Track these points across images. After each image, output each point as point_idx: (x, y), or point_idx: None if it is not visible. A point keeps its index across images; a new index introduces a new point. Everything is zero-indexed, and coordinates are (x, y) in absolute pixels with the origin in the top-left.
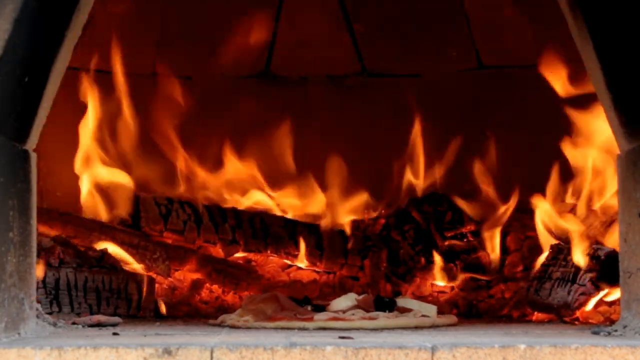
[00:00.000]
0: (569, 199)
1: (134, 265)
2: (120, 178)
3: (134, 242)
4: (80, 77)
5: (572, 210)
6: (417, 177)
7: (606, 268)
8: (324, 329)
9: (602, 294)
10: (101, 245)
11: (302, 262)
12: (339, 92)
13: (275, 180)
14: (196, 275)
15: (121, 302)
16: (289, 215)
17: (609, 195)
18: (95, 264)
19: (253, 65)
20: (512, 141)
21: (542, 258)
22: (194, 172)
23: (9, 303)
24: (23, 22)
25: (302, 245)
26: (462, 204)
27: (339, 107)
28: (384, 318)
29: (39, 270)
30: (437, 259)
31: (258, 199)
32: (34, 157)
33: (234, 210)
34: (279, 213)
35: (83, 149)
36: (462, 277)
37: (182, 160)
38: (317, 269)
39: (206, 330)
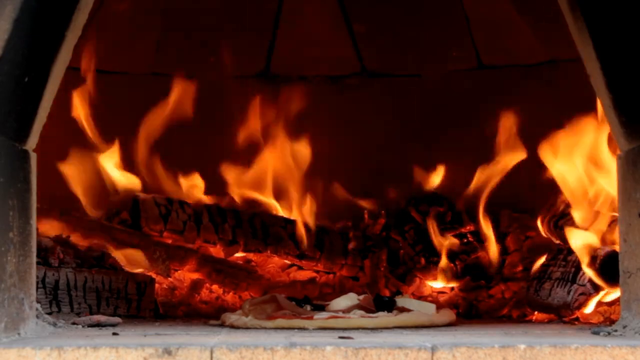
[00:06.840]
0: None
1: (142, 264)
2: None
3: (134, 242)
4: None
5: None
6: (417, 177)
7: (606, 268)
8: (324, 328)
9: (602, 293)
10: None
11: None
12: (339, 92)
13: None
14: (196, 275)
15: (121, 302)
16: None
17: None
18: (95, 264)
19: (253, 65)
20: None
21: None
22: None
23: (9, 303)
24: (23, 22)
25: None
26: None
27: (339, 107)
28: (383, 317)
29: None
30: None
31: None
32: (34, 157)
33: (234, 210)
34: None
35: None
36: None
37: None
38: (316, 269)
39: (206, 330)
